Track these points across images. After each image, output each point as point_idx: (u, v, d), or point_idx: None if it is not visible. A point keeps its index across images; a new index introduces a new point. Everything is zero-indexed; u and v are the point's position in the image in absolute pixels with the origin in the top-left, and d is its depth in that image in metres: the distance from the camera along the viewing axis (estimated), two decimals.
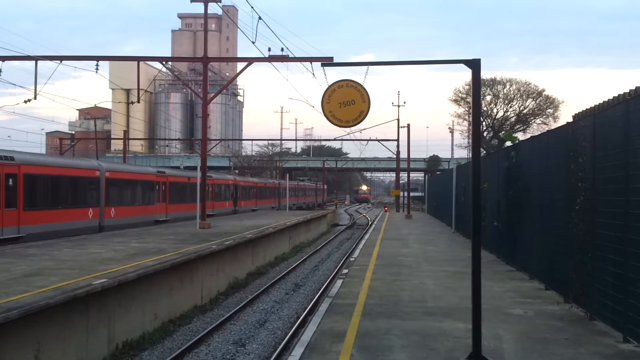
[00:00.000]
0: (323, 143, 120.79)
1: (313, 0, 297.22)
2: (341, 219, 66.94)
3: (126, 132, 55.58)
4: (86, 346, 11.52)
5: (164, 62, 31.22)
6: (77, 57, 28.02)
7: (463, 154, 76.97)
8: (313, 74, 28.86)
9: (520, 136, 50.55)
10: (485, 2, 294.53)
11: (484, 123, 60.23)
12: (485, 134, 60.74)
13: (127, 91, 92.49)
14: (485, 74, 62.78)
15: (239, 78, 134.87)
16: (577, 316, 10.34)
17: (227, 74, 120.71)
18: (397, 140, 59.08)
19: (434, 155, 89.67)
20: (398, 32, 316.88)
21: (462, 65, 7.88)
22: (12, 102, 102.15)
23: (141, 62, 29.16)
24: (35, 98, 26.92)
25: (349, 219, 66.85)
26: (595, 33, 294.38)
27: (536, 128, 60.60)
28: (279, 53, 27.34)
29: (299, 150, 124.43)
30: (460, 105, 64.29)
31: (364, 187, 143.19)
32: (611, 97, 13.63)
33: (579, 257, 10.36)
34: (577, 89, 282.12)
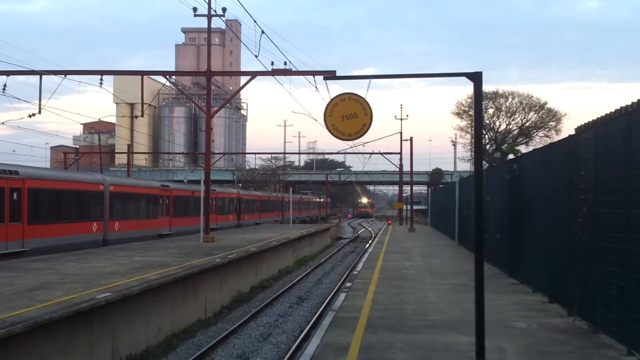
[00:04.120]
0: (326, 156, 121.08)
1: (315, 15, 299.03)
2: (344, 232, 66.89)
3: (130, 146, 55.81)
4: None
5: (167, 77, 31.40)
6: (82, 72, 28.20)
7: (466, 166, 76.96)
8: (316, 87, 29.00)
9: (523, 149, 50.56)
10: (486, 17, 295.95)
11: (486, 136, 60.31)
12: (487, 146, 60.78)
13: (131, 105, 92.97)
14: (487, 87, 62.93)
15: (242, 92, 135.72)
16: (580, 329, 10.31)
17: (231, 87, 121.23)
18: (400, 153, 59.18)
19: (436, 168, 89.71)
20: (400, 47, 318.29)
21: (464, 78, 7.93)
22: (17, 116, 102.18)
23: (145, 77, 29.28)
24: (39, 112, 27.01)
25: (352, 232, 66.82)
26: (596, 47, 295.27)
27: (538, 141, 60.72)
28: (282, 67, 27.47)
29: (302, 163, 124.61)
30: (462, 118, 64.46)
31: (364, 200, 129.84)
32: (613, 110, 13.68)
33: (582, 269, 10.35)
34: (579, 102, 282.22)
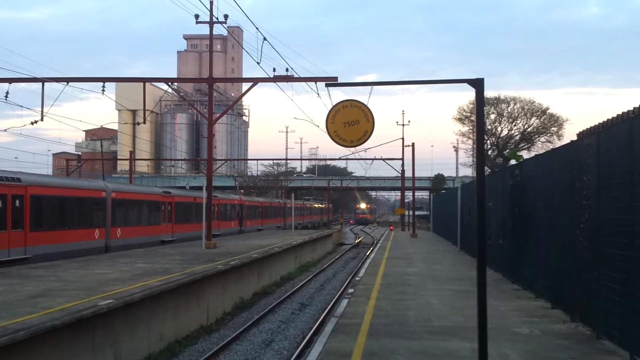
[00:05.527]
0: (328, 162, 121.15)
1: (316, 22, 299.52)
2: (347, 238, 66.85)
3: (132, 153, 55.88)
4: None
5: (169, 83, 31.46)
6: (84, 79, 28.27)
7: (468, 172, 77.01)
8: (318, 93, 29.15)
9: (525, 154, 50.51)
10: (487, 23, 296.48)
11: (488, 141, 60.32)
12: (489, 152, 60.80)
13: (133, 112, 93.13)
14: (489, 93, 62.96)
15: (244, 98, 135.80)
16: (583, 335, 10.29)
17: (233, 94, 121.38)
18: (402, 159, 59.15)
19: (438, 174, 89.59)
20: (401, 53, 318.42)
21: (466, 84, 7.93)
22: (19, 123, 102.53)
23: (147, 83, 29.35)
24: (42, 119, 27.08)
25: (354, 238, 66.78)
26: (597, 52, 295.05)
27: (540, 146, 60.73)
28: (284, 73, 27.54)
29: (304, 169, 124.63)
30: (464, 123, 64.50)
31: (363, 206, 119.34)
32: (615, 115, 13.65)
33: (585, 275, 10.34)
34: (581, 107, 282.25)
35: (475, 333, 7.53)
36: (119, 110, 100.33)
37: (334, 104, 8.30)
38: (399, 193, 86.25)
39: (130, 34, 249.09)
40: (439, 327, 11.26)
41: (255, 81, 28.68)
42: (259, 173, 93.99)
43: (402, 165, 59.86)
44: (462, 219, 29.00)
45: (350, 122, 8.14)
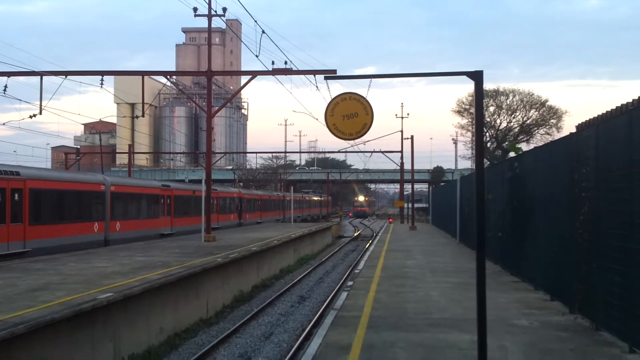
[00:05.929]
0: (327, 155, 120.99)
1: (315, 15, 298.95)
2: (346, 230, 66.91)
3: (131, 146, 55.80)
4: None
5: (168, 77, 31.39)
6: (82, 72, 28.19)
7: (467, 164, 76.95)
8: (317, 86, 28.96)
9: (524, 147, 50.49)
10: (486, 15, 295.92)
11: (487, 134, 60.30)
12: (488, 144, 60.77)
13: (132, 105, 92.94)
14: (488, 85, 62.85)
15: (243, 91, 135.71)
16: (582, 327, 10.31)
17: (231, 87, 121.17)
18: (401, 151, 59.13)
19: (437, 166, 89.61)
20: (400, 46, 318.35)
21: (464, 77, 7.91)
22: (18, 117, 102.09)
23: (146, 77, 29.28)
24: (40, 113, 27.03)
25: (354, 230, 66.85)
26: (597, 44, 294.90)
27: (539, 138, 60.72)
28: (283, 66, 27.47)
29: (303, 162, 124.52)
30: (463, 116, 64.45)
31: (361, 198, 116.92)
32: (614, 107, 13.64)
33: (584, 267, 10.35)
34: (580, 99, 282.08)
35: (475, 325, 7.53)
36: (117, 103, 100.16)
37: (333, 97, 8.28)
38: (398, 185, 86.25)
39: (129, 27, 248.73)
40: (439, 319, 11.27)
41: (254, 74, 28.63)
42: (258, 166, 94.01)
43: (401, 157, 59.84)
44: (461, 212, 29.01)
45: (349, 115, 8.12)
